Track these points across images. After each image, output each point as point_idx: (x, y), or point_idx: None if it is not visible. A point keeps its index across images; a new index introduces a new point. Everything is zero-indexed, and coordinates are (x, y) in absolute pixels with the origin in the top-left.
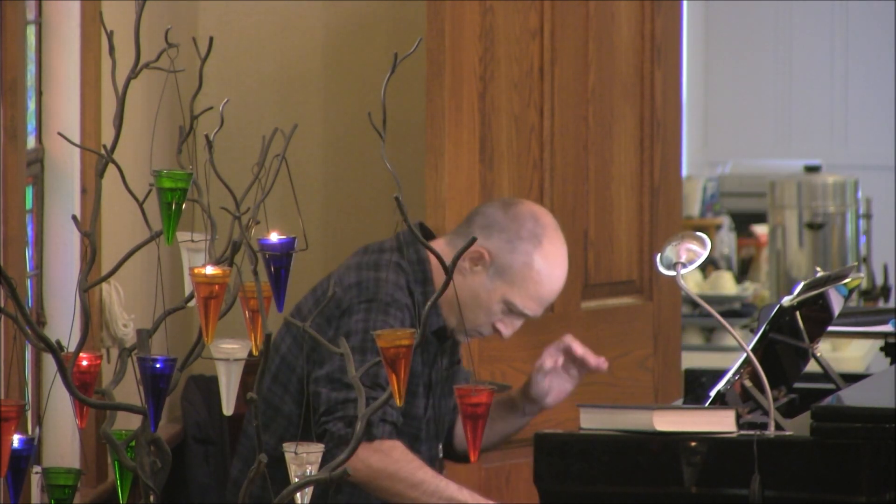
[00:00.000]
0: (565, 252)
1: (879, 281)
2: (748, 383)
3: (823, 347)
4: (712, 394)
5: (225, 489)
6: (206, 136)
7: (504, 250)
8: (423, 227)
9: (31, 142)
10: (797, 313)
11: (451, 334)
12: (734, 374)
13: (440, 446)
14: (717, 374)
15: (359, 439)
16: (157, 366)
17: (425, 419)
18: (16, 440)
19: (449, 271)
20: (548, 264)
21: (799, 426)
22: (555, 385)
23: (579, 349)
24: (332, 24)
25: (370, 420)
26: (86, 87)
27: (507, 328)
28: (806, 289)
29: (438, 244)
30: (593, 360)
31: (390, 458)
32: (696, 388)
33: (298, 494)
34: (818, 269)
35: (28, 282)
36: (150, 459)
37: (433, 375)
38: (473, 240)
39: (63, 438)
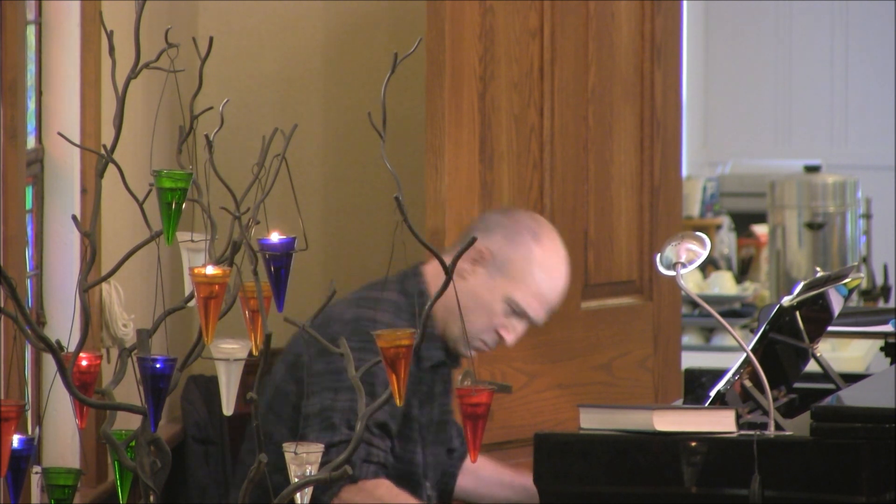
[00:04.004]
0: (564, 254)
1: (879, 281)
2: (748, 383)
3: (823, 347)
4: (712, 394)
5: (224, 489)
6: (206, 136)
7: (504, 245)
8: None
9: (31, 142)
10: (797, 313)
11: (452, 347)
12: (734, 374)
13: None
14: (717, 374)
15: (359, 439)
16: (157, 366)
17: (423, 464)
18: (16, 440)
19: (449, 271)
20: (547, 259)
21: (799, 426)
22: None
23: None
24: (332, 24)
25: (353, 461)
26: (86, 87)
27: (510, 333)
28: (806, 289)
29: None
30: None
31: (373, 496)
32: (696, 388)
33: (298, 494)
34: (818, 269)
35: (28, 282)
36: (150, 459)
37: (426, 415)
38: (473, 239)
39: (63, 438)
